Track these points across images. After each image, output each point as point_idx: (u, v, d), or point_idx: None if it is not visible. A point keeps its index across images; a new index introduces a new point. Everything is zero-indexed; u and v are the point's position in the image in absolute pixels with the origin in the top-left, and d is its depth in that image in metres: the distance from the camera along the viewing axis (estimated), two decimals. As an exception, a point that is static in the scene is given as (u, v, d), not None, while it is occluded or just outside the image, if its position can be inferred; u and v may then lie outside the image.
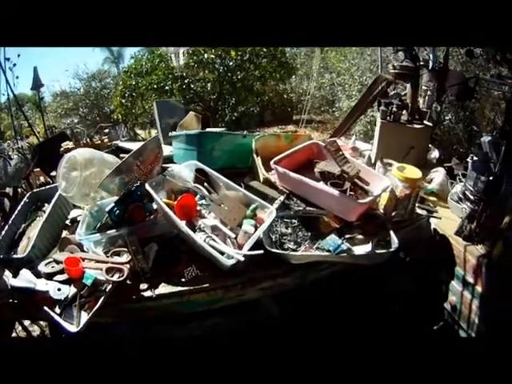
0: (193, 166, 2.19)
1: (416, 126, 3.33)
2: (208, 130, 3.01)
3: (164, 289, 1.77)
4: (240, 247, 1.77)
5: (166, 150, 2.86)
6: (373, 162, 3.08)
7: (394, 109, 3.33)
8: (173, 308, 1.80)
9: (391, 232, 1.94)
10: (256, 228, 1.85)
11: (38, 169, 4.02)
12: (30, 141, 5.43)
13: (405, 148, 3.07)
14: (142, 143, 2.31)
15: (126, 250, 1.84)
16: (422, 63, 3.52)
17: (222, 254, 1.70)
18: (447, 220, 2.42)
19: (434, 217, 2.44)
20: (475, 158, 2.40)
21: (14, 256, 1.99)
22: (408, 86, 3.53)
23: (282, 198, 2.17)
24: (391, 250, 1.85)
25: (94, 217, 2.10)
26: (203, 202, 2.03)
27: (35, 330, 2.81)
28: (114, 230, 1.91)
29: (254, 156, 2.50)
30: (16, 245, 2.13)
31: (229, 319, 2.06)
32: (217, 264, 1.75)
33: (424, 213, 2.42)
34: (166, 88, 10.51)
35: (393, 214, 2.18)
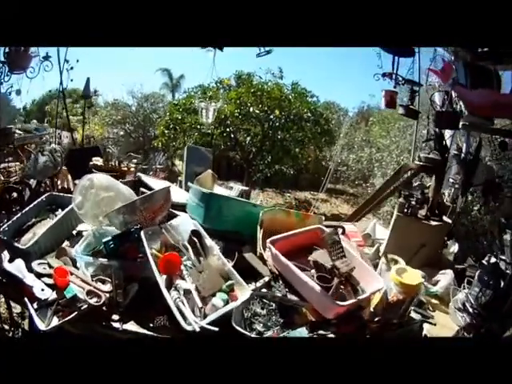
0: (191, 225, 2.32)
1: (432, 222, 3.17)
2: (221, 192, 3.13)
3: (132, 326, 1.87)
4: (205, 318, 1.79)
5: (185, 197, 3.00)
6: (380, 254, 3.01)
7: (413, 202, 3.20)
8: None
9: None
10: (227, 303, 1.87)
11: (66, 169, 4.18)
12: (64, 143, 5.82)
13: (417, 245, 2.98)
14: (151, 192, 2.45)
15: (110, 280, 1.99)
16: (454, 152, 3.45)
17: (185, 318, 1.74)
18: (443, 328, 2.30)
19: (429, 322, 2.30)
20: (483, 269, 2.32)
21: (16, 244, 2.24)
22: (433, 178, 3.40)
23: (266, 278, 2.17)
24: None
25: (96, 238, 2.29)
26: (188, 263, 2.09)
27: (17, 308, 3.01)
28: (106, 260, 2.10)
29: (258, 228, 2.49)
30: (22, 234, 2.38)
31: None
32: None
33: (418, 317, 2.26)
34: (209, 131, 10.82)
35: (376, 319, 2.08)
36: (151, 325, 1.88)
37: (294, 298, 2.07)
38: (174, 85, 21.14)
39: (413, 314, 2.23)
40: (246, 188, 4.13)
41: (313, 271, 2.13)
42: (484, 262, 2.52)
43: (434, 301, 2.62)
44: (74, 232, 2.54)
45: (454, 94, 3.18)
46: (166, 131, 12.34)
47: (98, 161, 4.36)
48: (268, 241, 2.21)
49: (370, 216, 5.26)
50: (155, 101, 17.58)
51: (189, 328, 1.71)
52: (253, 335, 1.82)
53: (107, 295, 1.93)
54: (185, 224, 2.37)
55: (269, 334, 1.86)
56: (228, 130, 11.13)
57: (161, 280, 1.88)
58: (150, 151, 15.24)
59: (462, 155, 3.50)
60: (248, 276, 2.17)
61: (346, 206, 12.84)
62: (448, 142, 3.74)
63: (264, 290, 2.14)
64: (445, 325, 2.33)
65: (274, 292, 2.10)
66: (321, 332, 1.92)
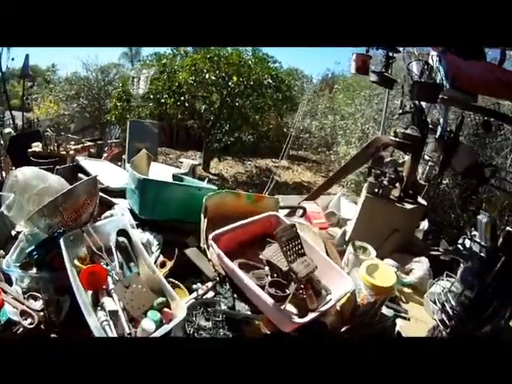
0: (120, 224, 1.95)
1: (407, 205, 2.80)
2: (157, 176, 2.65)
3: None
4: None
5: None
6: (346, 238, 2.71)
7: (385, 182, 2.84)
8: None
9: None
10: (161, 323, 1.52)
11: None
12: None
13: (388, 230, 2.69)
14: (70, 187, 1.95)
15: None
16: (429, 127, 3.06)
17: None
18: (417, 323, 2.16)
19: (403, 317, 2.16)
20: (464, 266, 2.10)
21: None
22: (409, 156, 3.04)
23: (209, 284, 1.81)
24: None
25: (29, 242, 2.00)
26: (114, 273, 1.71)
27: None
28: (35, 272, 1.82)
29: (202, 216, 2.11)
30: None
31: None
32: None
33: (391, 313, 1.98)
34: (162, 101, 10.25)
35: (343, 329, 1.79)
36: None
37: (243, 306, 1.74)
38: (133, 54, 20.19)
39: (384, 310, 1.98)
40: (197, 162, 3.74)
41: (267, 268, 1.82)
42: (459, 245, 2.32)
43: (406, 290, 2.46)
44: (13, 232, 2.23)
45: (434, 64, 2.79)
46: (119, 103, 11.63)
47: (37, 146, 4.12)
48: (210, 237, 1.82)
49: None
50: (111, 72, 16.60)
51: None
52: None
53: (40, 314, 1.66)
54: (114, 221, 1.99)
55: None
56: (183, 98, 10.55)
57: (82, 298, 1.52)
58: (106, 125, 14.47)
59: (439, 131, 3.13)
60: (193, 274, 1.91)
61: (309, 174, 12.71)
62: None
63: (210, 294, 1.80)
64: (419, 318, 2.20)
65: (220, 299, 1.75)
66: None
